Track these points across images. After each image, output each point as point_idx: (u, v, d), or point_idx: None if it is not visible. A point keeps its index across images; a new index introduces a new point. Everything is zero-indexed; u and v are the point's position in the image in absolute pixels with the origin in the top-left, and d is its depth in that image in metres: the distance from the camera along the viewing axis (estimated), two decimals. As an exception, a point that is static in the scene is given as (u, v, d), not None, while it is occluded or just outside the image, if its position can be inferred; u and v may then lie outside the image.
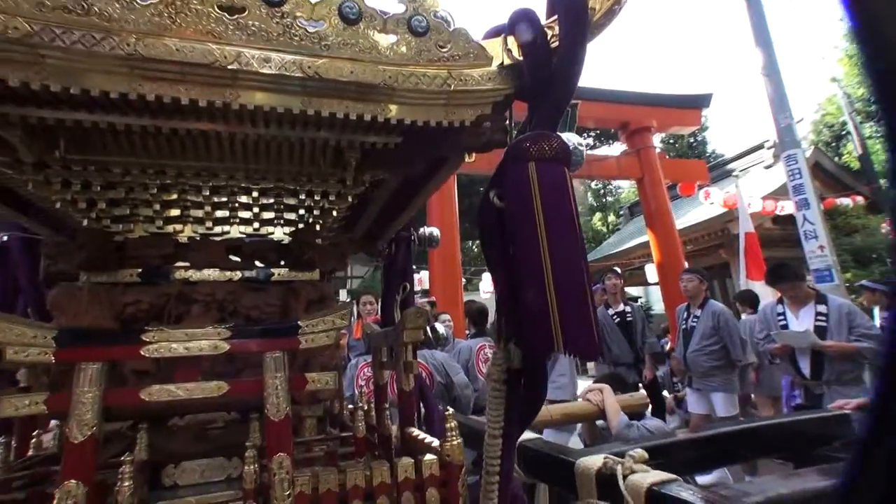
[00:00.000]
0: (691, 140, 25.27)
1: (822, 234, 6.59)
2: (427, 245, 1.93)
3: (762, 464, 2.53)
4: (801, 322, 4.03)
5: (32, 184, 0.91)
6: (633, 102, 11.00)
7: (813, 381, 3.88)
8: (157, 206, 1.08)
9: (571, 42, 0.90)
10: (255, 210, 1.17)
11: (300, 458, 1.09)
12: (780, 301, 4.33)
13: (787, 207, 9.99)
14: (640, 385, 5.45)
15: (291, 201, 1.18)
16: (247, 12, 0.76)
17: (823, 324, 3.89)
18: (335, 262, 1.28)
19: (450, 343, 4.53)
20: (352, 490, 0.89)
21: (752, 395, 5.38)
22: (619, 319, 5.84)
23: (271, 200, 1.17)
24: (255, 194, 1.14)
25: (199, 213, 1.13)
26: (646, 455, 1.35)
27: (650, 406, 2.85)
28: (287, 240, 1.22)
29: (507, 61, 0.95)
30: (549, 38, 0.93)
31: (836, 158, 15.82)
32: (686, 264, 9.63)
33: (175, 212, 1.11)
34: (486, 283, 12.39)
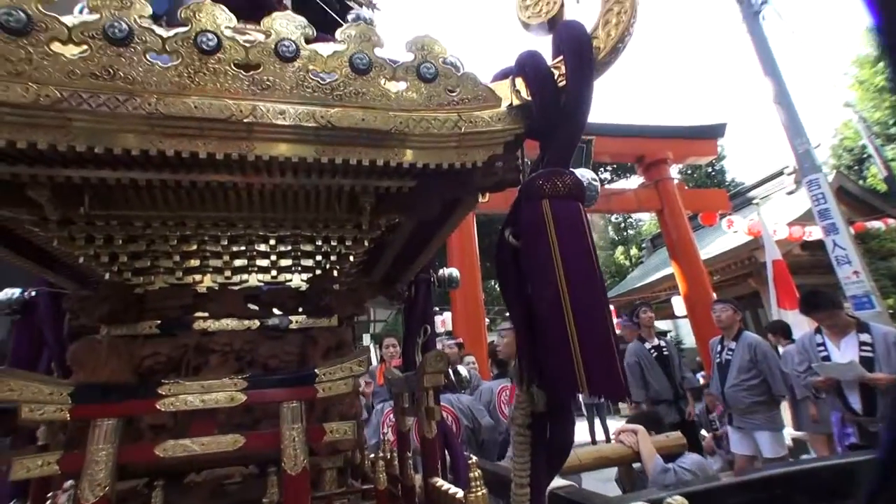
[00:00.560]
0: (709, 170, 25.14)
1: (856, 259, 6.36)
2: (447, 286, 1.92)
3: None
4: (844, 353, 3.78)
5: (57, 240, 0.94)
6: (648, 135, 11.07)
7: (866, 417, 3.57)
8: (177, 258, 1.09)
9: (578, 80, 0.91)
10: (273, 258, 1.18)
11: (320, 513, 1.05)
12: (818, 331, 4.08)
13: (814, 233, 9.75)
14: (684, 422, 5.14)
15: (308, 248, 1.19)
16: (261, 68, 0.79)
17: (869, 354, 3.64)
18: (353, 308, 1.27)
19: (473, 385, 4.43)
20: (372, 549, 0.85)
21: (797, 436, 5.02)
22: (656, 354, 5.61)
23: (288, 248, 1.18)
24: (272, 242, 1.15)
25: (218, 263, 1.14)
26: (685, 502, 1.27)
27: (687, 447, 2.70)
28: (305, 286, 1.23)
29: (515, 102, 0.96)
30: (556, 77, 0.94)
31: (860, 182, 15.51)
32: (714, 295, 9.38)
33: (194, 262, 1.13)
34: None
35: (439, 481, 1.14)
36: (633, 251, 27.40)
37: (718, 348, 4.93)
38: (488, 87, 0.95)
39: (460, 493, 1.00)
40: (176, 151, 0.75)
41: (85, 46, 0.68)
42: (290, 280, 1.23)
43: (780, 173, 15.02)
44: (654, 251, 20.55)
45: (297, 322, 1.19)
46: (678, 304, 11.41)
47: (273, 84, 0.79)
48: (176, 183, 0.90)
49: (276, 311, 1.18)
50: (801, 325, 6.16)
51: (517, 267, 0.97)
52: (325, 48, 0.86)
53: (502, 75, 1.02)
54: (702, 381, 6.87)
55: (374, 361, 8.03)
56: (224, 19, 0.78)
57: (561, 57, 0.94)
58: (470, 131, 0.92)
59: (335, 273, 1.23)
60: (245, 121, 0.77)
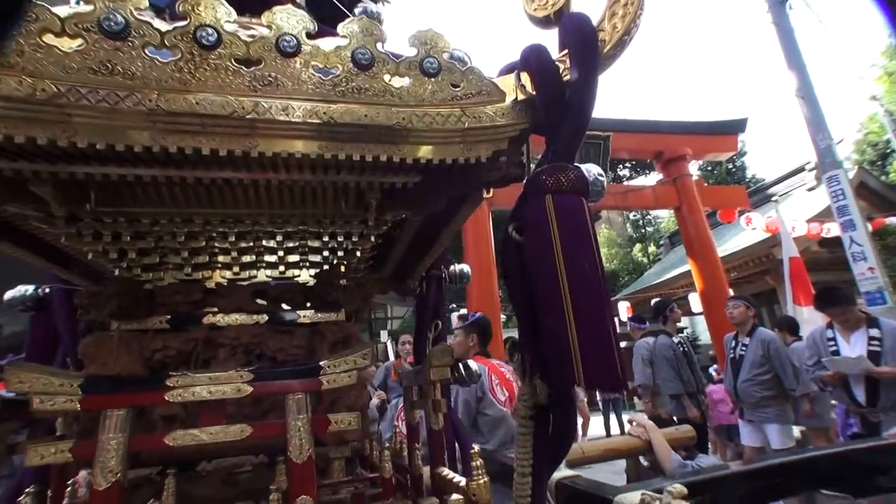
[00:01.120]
0: (730, 166, 24.74)
1: (871, 256, 6.29)
2: (458, 282, 1.92)
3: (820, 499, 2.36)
4: (853, 347, 3.87)
5: (65, 236, 0.96)
6: (667, 131, 10.92)
7: (869, 408, 3.69)
8: (186, 254, 1.11)
9: (583, 74, 0.90)
10: (281, 254, 1.20)
11: (327, 500, 1.07)
12: (829, 326, 4.15)
13: (833, 230, 9.56)
14: (701, 414, 5.34)
15: (315, 244, 1.20)
16: (263, 64, 0.79)
17: (877, 348, 3.73)
18: (360, 302, 1.28)
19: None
20: (375, 535, 0.86)
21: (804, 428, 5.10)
22: (683, 349, 5.76)
23: (296, 244, 1.19)
24: (279, 238, 1.16)
25: (227, 259, 1.16)
26: (685, 490, 1.28)
27: (696, 439, 2.70)
28: (312, 282, 1.24)
29: (520, 97, 0.96)
30: (561, 71, 0.93)
31: (883, 177, 15.12)
32: (731, 292, 9.26)
33: (203, 259, 1.15)
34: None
35: (445, 470, 1.15)
36: (651, 248, 27.15)
37: (732, 344, 5.01)
38: (493, 82, 0.95)
39: (463, 482, 1.00)
40: (179, 148, 0.77)
41: (80, 40, 0.69)
42: (298, 275, 1.24)
43: (801, 169, 14.74)
44: (671, 248, 20.32)
45: (304, 317, 1.20)
46: (695, 301, 11.26)
47: (275, 80, 0.80)
48: (181, 180, 0.91)
49: (284, 305, 1.20)
50: (814, 320, 6.12)
51: (520, 261, 0.97)
52: (327, 43, 0.87)
53: (507, 70, 1.02)
54: (714, 375, 6.88)
55: (391, 357, 8.09)
56: (224, 13, 0.78)
57: (566, 51, 0.94)
58: (474, 126, 0.92)
59: (342, 268, 1.24)
60: (247, 117, 0.78)
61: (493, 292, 8.95)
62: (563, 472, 1.79)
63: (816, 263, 10.92)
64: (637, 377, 6.06)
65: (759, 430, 4.69)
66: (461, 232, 8.99)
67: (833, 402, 4.50)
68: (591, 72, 0.91)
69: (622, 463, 2.99)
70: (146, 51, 0.72)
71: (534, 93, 0.95)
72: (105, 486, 0.76)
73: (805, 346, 4.54)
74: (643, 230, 29.17)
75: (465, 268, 1.93)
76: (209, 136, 0.78)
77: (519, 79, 0.97)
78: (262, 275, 1.22)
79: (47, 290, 1.44)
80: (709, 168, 24.19)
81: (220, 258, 1.16)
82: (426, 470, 1.26)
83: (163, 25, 0.73)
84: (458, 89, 0.92)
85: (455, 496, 0.95)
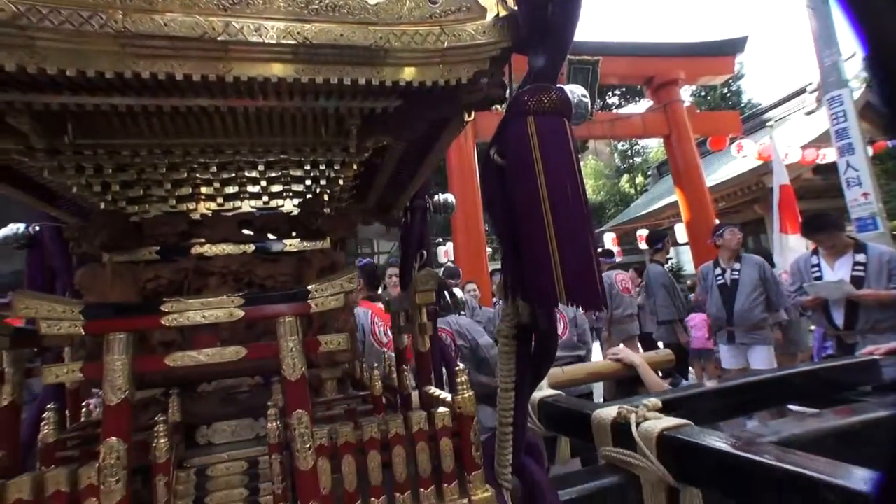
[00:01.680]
0: (725, 91, 24.18)
1: (868, 181, 6.28)
2: (442, 212, 1.94)
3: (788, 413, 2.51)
4: (837, 273, 3.93)
5: (48, 170, 0.96)
6: (659, 54, 10.60)
7: (846, 331, 3.81)
8: (169, 186, 1.12)
9: (566, -13, 0.87)
10: (263, 184, 1.20)
11: (321, 416, 1.14)
12: (814, 252, 4.21)
13: (829, 155, 9.53)
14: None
15: (298, 173, 1.20)
16: (231, -19, 0.76)
17: (861, 273, 3.79)
18: (344, 231, 1.30)
19: (474, 310, 4.58)
20: (368, 442, 0.93)
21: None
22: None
23: (278, 173, 1.19)
24: (261, 168, 1.16)
25: (210, 190, 1.17)
26: (659, 404, 1.37)
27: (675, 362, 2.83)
28: (296, 211, 1.25)
29: (501, 13, 0.93)
30: (543, -15, 0.90)
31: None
32: (717, 222, 9.39)
33: (186, 190, 1.15)
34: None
35: (432, 388, 1.23)
36: (639, 179, 27.04)
37: (718, 271, 5.11)
38: (472, -2, 0.92)
39: (449, 397, 1.08)
40: (152, 73, 0.75)
41: None
42: (282, 205, 1.26)
43: (802, 91, 14.37)
44: (659, 178, 20.29)
45: (290, 245, 1.23)
46: (680, 232, 11.43)
47: (246, -1, 0.77)
48: (158, 108, 0.90)
49: (269, 235, 1.22)
50: (800, 248, 6.27)
51: (503, 184, 0.98)
52: None
53: (487, -17, 0.98)
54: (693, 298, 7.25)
55: (380, 292, 8.25)
56: (190, -75, 0.74)
57: (548, -38, 0.90)
58: (454, 46, 0.91)
59: (326, 197, 1.25)
60: (219, 39, 0.76)
61: (479, 224, 9.01)
62: (545, 391, 1.90)
63: (808, 191, 10.98)
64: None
65: (742, 353, 4.89)
66: (445, 164, 8.90)
67: (812, 326, 4.68)
68: (574, -15, 0.88)
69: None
70: (107, -34, 0.69)
71: (515, 8, 0.93)
72: (116, 402, 0.81)
73: (789, 273, 4.65)
74: (631, 160, 28.94)
75: (450, 197, 1.94)
76: (181, 61, 0.76)
77: (500, -7, 0.94)
78: (247, 205, 1.23)
79: (38, 228, 1.45)
80: (702, 93, 23.64)
81: (204, 189, 1.16)
82: (415, 395, 1.34)
83: None
84: (436, 6, 0.89)
85: (441, 409, 1.02)
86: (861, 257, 3.85)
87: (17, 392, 1.04)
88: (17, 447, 1.06)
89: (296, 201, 1.25)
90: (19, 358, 1.05)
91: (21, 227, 1.52)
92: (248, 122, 1.05)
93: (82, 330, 0.83)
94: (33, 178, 1.15)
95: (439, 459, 0.98)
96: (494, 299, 7.47)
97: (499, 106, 1.11)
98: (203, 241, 1.16)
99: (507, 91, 1.06)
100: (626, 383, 2.60)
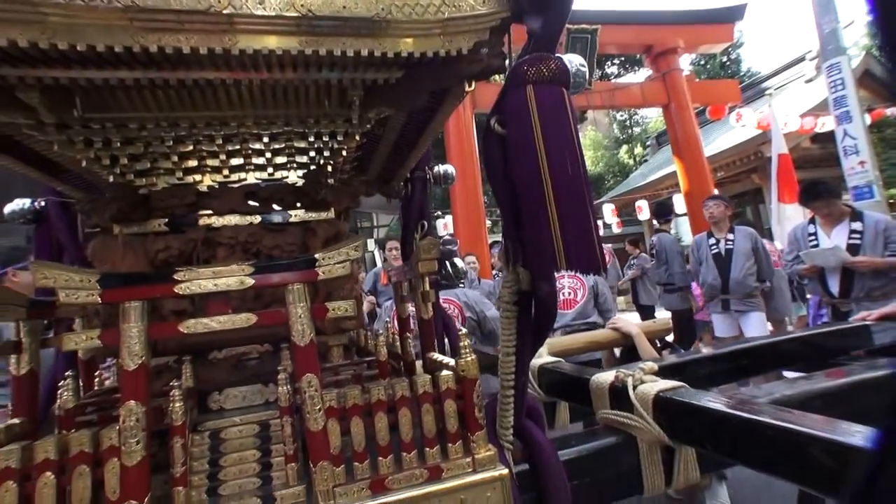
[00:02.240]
0: (724, 59, 23.80)
1: (865, 149, 6.25)
2: (442, 183, 1.95)
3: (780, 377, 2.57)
4: (833, 241, 3.95)
5: (57, 144, 0.98)
6: (658, 22, 10.40)
7: (841, 299, 3.85)
8: (175, 158, 1.14)
9: (564, -44, 0.88)
10: (268, 156, 1.22)
11: (329, 380, 1.19)
12: (811, 221, 4.23)
13: (827, 124, 9.45)
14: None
15: (301, 144, 1.22)
16: (235, -47, 0.77)
17: (857, 241, 3.81)
18: (348, 201, 1.33)
19: (473, 282, 4.63)
20: (375, 404, 0.98)
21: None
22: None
23: (282, 145, 1.21)
24: (266, 140, 1.18)
25: (216, 163, 1.19)
26: (655, 367, 1.42)
27: (671, 330, 2.87)
28: (301, 182, 1.28)
29: (501, -17, 0.94)
30: (541, -47, 0.91)
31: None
32: (716, 192, 9.38)
33: (192, 162, 1.17)
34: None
35: (435, 354, 1.28)
36: (638, 149, 26.83)
37: (712, 241, 5.15)
38: (471, -32, 0.92)
39: (452, 362, 1.12)
40: (159, 47, 0.77)
41: None
42: (287, 177, 1.28)
43: (802, 59, 14.19)
44: (658, 149, 20.15)
45: (296, 216, 1.25)
46: (678, 202, 11.43)
47: (249, -29, 0.78)
48: (164, 82, 0.92)
49: (275, 206, 1.25)
50: (797, 217, 6.27)
51: (503, 153, 1.00)
52: None
53: (486, -47, 0.98)
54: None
55: (379, 264, 8.31)
56: None
57: (546, -70, 0.91)
58: (454, 16, 0.92)
59: (329, 168, 1.28)
60: (224, 12, 0.77)
61: (478, 196, 8.99)
62: (545, 358, 1.95)
63: (807, 160, 10.94)
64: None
65: (735, 321, 5.00)
66: (444, 136, 8.82)
67: (808, 295, 4.76)
68: (572, -46, 0.89)
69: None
70: (113, -60, 0.69)
71: (515, -24, 0.93)
72: (133, 368, 0.85)
73: (786, 242, 4.71)
74: (630, 131, 28.68)
75: (450, 168, 1.96)
76: (188, 34, 0.77)
77: (499, -36, 0.94)
78: (252, 177, 1.25)
79: (43, 203, 1.47)
80: (701, 62, 23.30)
81: (210, 162, 1.18)
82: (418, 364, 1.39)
83: None
84: (436, -25, 0.90)
85: (445, 372, 1.06)
86: (857, 225, 3.86)
87: (35, 361, 1.08)
88: (35, 414, 1.11)
89: (300, 172, 1.28)
90: (35, 328, 1.09)
91: (27, 202, 1.54)
92: (253, 94, 1.06)
93: (99, 298, 0.86)
94: (40, 153, 1.17)
95: (444, 421, 1.03)
96: (494, 271, 7.52)
97: (497, 77, 1.13)
98: (210, 212, 1.18)
99: (507, 61, 1.07)
100: (627, 353, 2.65)
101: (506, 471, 1.01)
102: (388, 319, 2.87)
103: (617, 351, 3.04)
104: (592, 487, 1.22)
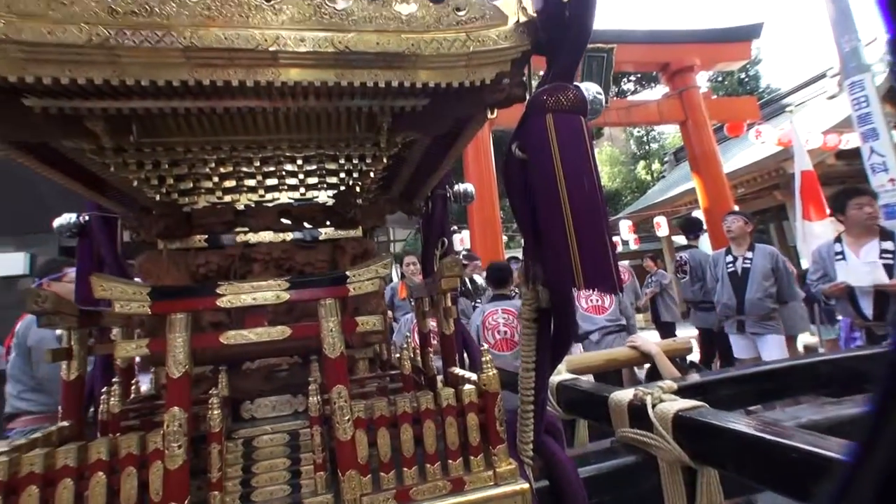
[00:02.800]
0: (742, 76, 23.68)
1: (894, 166, 6.10)
2: (462, 201, 2.01)
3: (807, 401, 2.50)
4: (863, 260, 3.78)
5: (114, 166, 1.06)
6: (673, 41, 10.45)
7: (876, 322, 3.65)
8: (216, 179, 1.22)
9: (581, -5, 0.94)
10: (301, 177, 1.29)
11: (355, 392, 1.24)
12: (837, 240, 4.07)
13: (851, 141, 9.31)
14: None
15: (332, 166, 1.29)
16: (281, -3, 0.84)
17: (890, 261, 3.65)
18: (375, 220, 1.39)
19: (489, 294, 4.66)
20: (401, 416, 1.03)
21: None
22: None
23: (314, 167, 1.28)
24: (299, 162, 1.26)
25: (252, 183, 1.26)
26: (675, 386, 1.42)
27: (691, 350, 2.85)
28: (331, 202, 1.34)
29: (522, 19, 1.00)
30: (560, -7, 0.97)
31: (919, 80, 14.39)
32: (736, 208, 9.28)
33: (231, 183, 1.25)
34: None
35: (457, 369, 1.32)
36: (655, 165, 26.68)
37: (729, 259, 4.98)
38: (495, 6, 0.99)
39: (474, 376, 1.16)
40: (211, 81, 0.84)
41: None
42: (318, 196, 1.35)
43: (822, 76, 14.03)
44: (676, 165, 20.03)
45: (326, 234, 1.32)
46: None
47: (293, 13, 0.85)
48: (211, 110, 0.99)
49: (306, 224, 1.32)
50: (824, 235, 6.12)
51: (524, 177, 1.06)
52: None
53: (509, -8, 1.05)
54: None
55: (396, 279, 8.38)
56: (243, -48, 0.83)
57: (565, -28, 0.97)
58: (478, 50, 0.98)
59: (358, 189, 1.34)
60: (270, 49, 0.85)
61: (495, 211, 9.04)
62: (564, 375, 1.97)
63: (832, 177, 10.72)
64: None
65: (752, 342, 4.78)
66: (462, 152, 8.91)
67: (838, 316, 4.48)
68: (589, -7, 0.95)
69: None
70: (178, -9, 0.77)
71: (534, 15, 0.99)
72: (178, 375, 0.92)
73: (811, 261, 4.47)
74: (647, 147, 28.57)
75: (469, 187, 2.01)
76: (237, 68, 0.85)
77: (520, 1, 1.01)
78: (285, 196, 1.32)
79: (87, 218, 1.56)
80: (719, 79, 23.23)
81: (247, 182, 1.26)
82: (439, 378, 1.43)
83: None
84: (462, 14, 0.96)
85: (468, 386, 1.10)
86: (888, 244, 3.69)
87: (83, 367, 1.15)
88: (82, 417, 1.18)
89: (330, 192, 1.35)
90: (84, 336, 1.16)
91: (73, 217, 1.64)
92: (288, 120, 1.14)
93: (149, 310, 0.93)
94: (89, 172, 1.26)
95: (466, 434, 1.07)
96: (512, 286, 7.50)
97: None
98: (246, 229, 1.26)
99: (527, 90, 1.13)
100: (650, 374, 2.64)
101: (527, 485, 1.04)
102: (407, 333, 2.91)
103: (637, 370, 3.03)
104: (613, 506, 1.21)
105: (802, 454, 0.94)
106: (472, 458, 1.06)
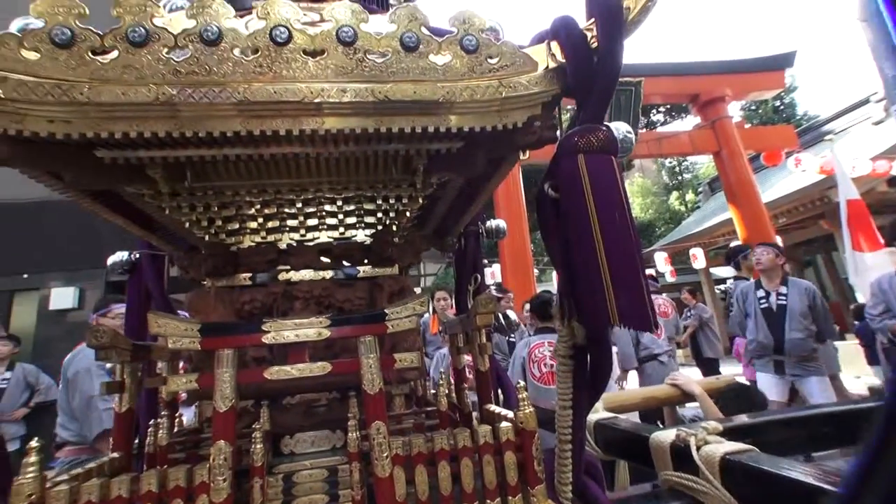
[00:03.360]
0: (777, 104, 23.32)
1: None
2: (495, 237, 2.03)
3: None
4: None
5: (169, 209, 1.14)
6: (703, 72, 10.45)
7: None
8: (261, 220, 1.28)
9: (609, 41, 0.98)
10: (340, 217, 1.35)
11: (392, 429, 1.25)
12: None
13: (903, 167, 8.95)
14: None
15: (370, 207, 1.34)
16: (326, 54, 0.91)
17: None
18: (411, 258, 1.43)
19: (523, 334, 4.62)
20: (439, 452, 1.03)
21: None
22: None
23: (353, 207, 1.34)
24: (339, 203, 1.31)
25: (294, 223, 1.32)
26: (720, 427, 1.37)
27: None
28: (368, 241, 1.39)
29: (551, 65, 1.04)
30: (588, 39, 1.01)
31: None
32: (778, 239, 8.98)
33: (275, 223, 1.31)
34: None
35: (492, 406, 1.31)
36: (689, 196, 26.24)
37: (762, 294, 4.70)
38: (525, 54, 1.03)
39: (511, 414, 1.16)
40: (261, 130, 0.91)
41: (187, 49, 0.83)
42: (356, 235, 1.40)
43: (865, 102, 13.67)
44: (711, 195, 19.65)
45: (364, 272, 1.36)
46: (737, 250, 10.97)
47: (336, 67, 0.92)
48: (258, 156, 1.06)
49: (345, 262, 1.36)
50: (880, 266, 5.79)
51: (557, 216, 1.08)
52: (376, 25, 0.98)
53: (538, 39, 1.10)
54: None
55: (427, 314, 8.40)
56: (291, 12, 0.90)
57: (593, 19, 1.01)
58: (510, 95, 1.02)
59: (394, 228, 1.39)
60: (315, 101, 0.91)
61: (525, 245, 9.05)
62: (601, 413, 1.92)
63: (885, 204, 10.30)
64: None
65: (786, 384, 4.48)
66: (494, 190, 9.02)
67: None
68: (616, 38, 0.99)
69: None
70: (234, 52, 0.85)
71: (564, 61, 1.04)
72: (224, 409, 0.95)
73: (870, 294, 4.26)
74: (680, 177, 28.19)
75: (501, 223, 2.04)
76: (284, 119, 0.91)
77: (549, 48, 1.05)
78: (325, 236, 1.38)
79: (137, 256, 1.66)
80: (752, 107, 22.92)
81: (289, 222, 1.32)
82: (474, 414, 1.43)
83: (244, 30, 0.86)
84: (494, 62, 1.01)
85: (504, 424, 1.10)
86: None
87: (133, 400, 1.21)
88: (130, 449, 1.22)
89: (368, 232, 1.40)
90: (135, 370, 1.22)
91: (125, 255, 1.74)
92: (329, 164, 1.20)
93: (199, 345, 0.98)
94: (143, 213, 1.35)
95: (504, 473, 1.06)
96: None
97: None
98: (288, 267, 1.31)
99: (558, 131, 1.17)
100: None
101: (566, 527, 1.02)
102: (442, 370, 2.91)
103: (679, 409, 2.92)
104: (658, 554, 1.18)
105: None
106: (510, 497, 1.05)
